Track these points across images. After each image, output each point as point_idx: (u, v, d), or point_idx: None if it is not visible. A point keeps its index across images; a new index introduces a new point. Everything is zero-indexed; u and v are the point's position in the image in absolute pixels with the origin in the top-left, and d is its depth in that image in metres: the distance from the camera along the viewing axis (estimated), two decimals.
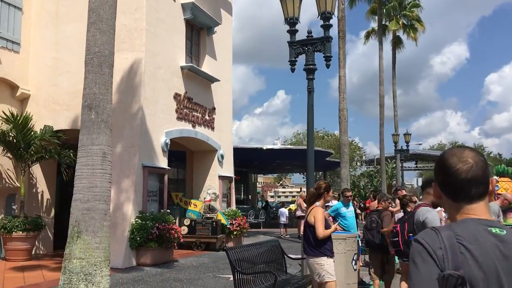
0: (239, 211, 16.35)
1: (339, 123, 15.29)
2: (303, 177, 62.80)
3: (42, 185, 13.22)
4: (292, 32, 9.90)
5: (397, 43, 33.80)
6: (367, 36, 34.17)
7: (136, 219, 11.21)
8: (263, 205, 33.15)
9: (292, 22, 9.87)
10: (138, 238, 11.05)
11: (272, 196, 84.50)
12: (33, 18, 13.31)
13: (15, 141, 11.61)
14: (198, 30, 15.01)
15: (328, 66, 9.95)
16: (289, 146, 28.66)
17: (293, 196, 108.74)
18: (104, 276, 5.92)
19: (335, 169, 41.52)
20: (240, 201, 28.97)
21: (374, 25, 32.58)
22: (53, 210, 13.49)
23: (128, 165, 11.55)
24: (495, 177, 34.14)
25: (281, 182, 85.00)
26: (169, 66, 13.05)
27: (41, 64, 13.05)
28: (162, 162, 12.57)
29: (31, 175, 12.84)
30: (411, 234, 5.08)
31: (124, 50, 12.07)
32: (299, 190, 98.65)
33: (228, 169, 16.33)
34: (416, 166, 59.18)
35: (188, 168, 16.35)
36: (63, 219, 14.78)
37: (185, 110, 13.68)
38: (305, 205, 20.35)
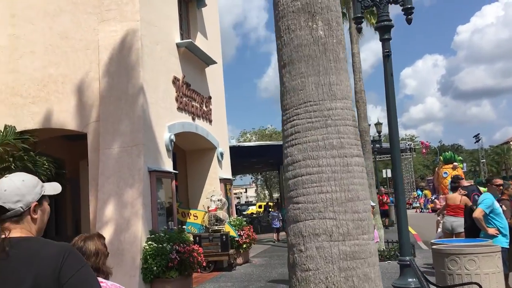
0: (244, 219, 13.76)
1: (357, 108, 13.15)
2: (252, 177, 60.68)
3: None
4: None
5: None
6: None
7: (149, 242, 8.34)
8: None
9: None
10: (155, 267, 8.18)
11: None
12: None
13: None
14: (187, 2, 12.22)
15: (409, 21, 7.70)
16: (269, 142, 26.14)
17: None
18: None
19: None
20: None
21: None
22: None
23: (130, 171, 8.60)
24: (455, 163, 32.95)
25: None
26: (165, 42, 10.23)
27: None
28: (168, 164, 9.72)
29: None
30: None
31: (110, 20, 9.17)
32: (243, 191, 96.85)
33: (227, 170, 13.66)
34: None
35: (181, 172, 13.42)
36: None
37: (184, 99, 10.88)
38: None
